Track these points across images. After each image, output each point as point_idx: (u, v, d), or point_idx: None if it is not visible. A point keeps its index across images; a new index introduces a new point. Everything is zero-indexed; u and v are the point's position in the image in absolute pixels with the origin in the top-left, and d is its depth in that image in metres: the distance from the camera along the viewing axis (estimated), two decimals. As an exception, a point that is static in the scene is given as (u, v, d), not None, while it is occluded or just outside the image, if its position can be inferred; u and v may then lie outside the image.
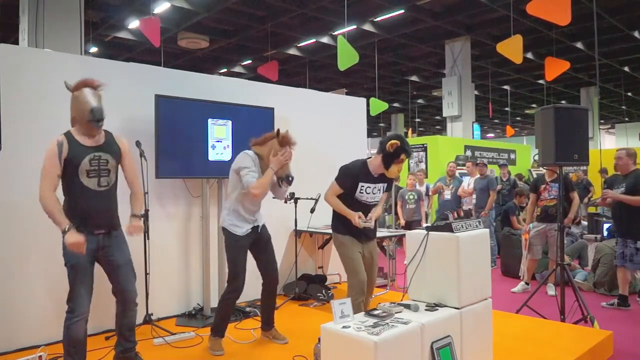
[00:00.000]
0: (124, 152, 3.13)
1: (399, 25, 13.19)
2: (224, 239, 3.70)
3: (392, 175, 3.57)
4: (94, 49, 13.95)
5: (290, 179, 3.62)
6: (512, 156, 14.96)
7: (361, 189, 3.56)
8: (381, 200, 3.75)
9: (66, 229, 2.76)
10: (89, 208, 2.92)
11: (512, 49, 8.05)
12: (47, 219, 3.68)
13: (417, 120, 28.81)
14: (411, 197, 8.06)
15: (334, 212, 3.66)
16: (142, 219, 3.29)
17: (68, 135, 2.94)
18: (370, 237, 3.72)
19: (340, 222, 3.62)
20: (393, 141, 3.45)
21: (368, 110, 8.41)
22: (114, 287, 3.10)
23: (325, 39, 13.98)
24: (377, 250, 3.85)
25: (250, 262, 3.70)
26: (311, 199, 4.89)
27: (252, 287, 3.91)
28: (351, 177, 3.56)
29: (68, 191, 2.94)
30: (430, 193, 8.89)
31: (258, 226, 3.70)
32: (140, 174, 3.39)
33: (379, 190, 3.65)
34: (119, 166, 3.13)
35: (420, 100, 24.63)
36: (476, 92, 17.59)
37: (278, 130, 3.65)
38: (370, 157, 3.65)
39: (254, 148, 3.66)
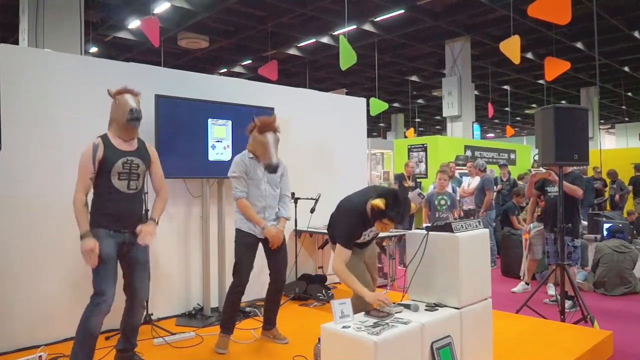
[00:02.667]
0: (154, 159, 3.26)
1: (399, 25, 13.19)
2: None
3: (378, 230, 3.18)
4: (94, 49, 13.96)
5: (273, 165, 3.53)
6: (512, 156, 14.96)
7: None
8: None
9: (83, 234, 2.87)
10: (117, 209, 3.02)
11: (512, 48, 8.06)
12: (49, 219, 3.72)
13: (417, 120, 28.81)
14: (442, 202, 6.19)
15: (332, 227, 3.39)
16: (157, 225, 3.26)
17: (104, 137, 3.07)
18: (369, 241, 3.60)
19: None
20: (376, 202, 2.90)
21: (368, 110, 8.40)
22: (126, 284, 3.16)
23: (325, 39, 13.99)
24: (375, 250, 3.76)
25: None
26: (311, 199, 4.89)
27: (252, 287, 3.91)
28: (354, 234, 3.16)
29: (98, 191, 3.04)
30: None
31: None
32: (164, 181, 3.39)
33: (372, 230, 3.27)
34: (147, 172, 3.25)
35: (420, 100, 24.63)
36: (476, 92, 17.59)
37: (253, 119, 3.66)
38: (369, 201, 3.06)
39: (248, 146, 3.70)
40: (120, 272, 3.14)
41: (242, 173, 3.60)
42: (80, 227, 2.89)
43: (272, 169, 3.57)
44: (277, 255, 3.74)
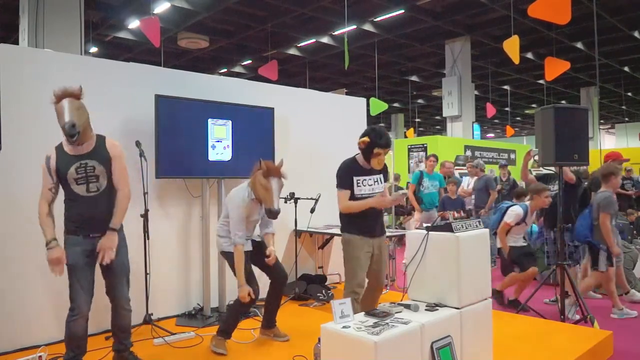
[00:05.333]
0: (113, 156, 3.10)
1: (399, 25, 13.20)
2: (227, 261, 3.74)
3: (375, 167, 3.47)
4: (94, 49, 13.96)
5: (274, 211, 3.49)
6: (512, 156, 14.98)
7: (358, 183, 3.46)
8: (386, 190, 3.62)
9: (48, 243, 2.92)
10: (81, 213, 3.04)
11: (511, 48, 8.07)
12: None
13: (417, 120, 28.81)
14: None
15: (342, 214, 3.54)
16: (119, 232, 3.13)
17: (59, 146, 3.07)
18: (380, 234, 3.60)
19: (349, 223, 3.50)
20: (363, 139, 3.36)
21: (368, 110, 8.40)
22: (106, 288, 3.19)
23: (325, 39, 13.99)
24: (386, 247, 3.74)
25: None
26: (311, 199, 4.89)
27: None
28: (345, 175, 3.46)
29: (65, 197, 3.08)
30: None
31: (254, 239, 3.76)
32: (127, 179, 3.21)
33: (377, 181, 3.52)
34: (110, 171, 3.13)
35: (420, 100, 24.63)
36: (476, 92, 17.59)
37: (260, 161, 3.55)
38: (359, 153, 3.51)
39: (250, 184, 3.60)
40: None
41: (244, 215, 3.57)
42: (45, 235, 2.94)
43: (272, 214, 3.52)
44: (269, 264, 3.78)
